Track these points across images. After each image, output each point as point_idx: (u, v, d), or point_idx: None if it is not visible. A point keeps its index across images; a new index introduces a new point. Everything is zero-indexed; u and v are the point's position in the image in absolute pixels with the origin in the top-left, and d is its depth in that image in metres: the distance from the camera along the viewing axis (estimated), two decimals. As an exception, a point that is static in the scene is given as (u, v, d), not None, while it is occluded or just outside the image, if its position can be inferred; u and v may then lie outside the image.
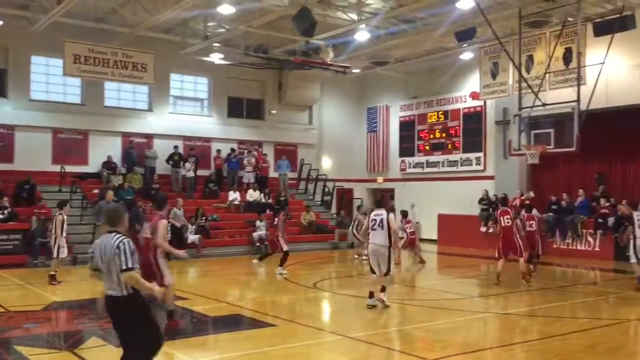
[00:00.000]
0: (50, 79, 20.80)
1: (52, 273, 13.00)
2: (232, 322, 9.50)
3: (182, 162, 21.62)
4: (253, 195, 22.07)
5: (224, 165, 22.85)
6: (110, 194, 17.26)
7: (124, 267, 4.97)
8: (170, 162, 21.45)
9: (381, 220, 10.09)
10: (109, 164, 20.60)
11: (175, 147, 21.78)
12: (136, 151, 21.38)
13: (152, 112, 22.59)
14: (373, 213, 10.41)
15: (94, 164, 21.06)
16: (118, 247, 4.99)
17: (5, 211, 17.08)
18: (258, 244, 19.99)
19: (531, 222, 13.84)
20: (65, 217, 13.21)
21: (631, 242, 12.29)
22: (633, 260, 12.26)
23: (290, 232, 18.62)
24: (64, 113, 20.66)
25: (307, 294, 12.45)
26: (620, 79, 17.73)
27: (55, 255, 13.14)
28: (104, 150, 21.02)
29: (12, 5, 17.61)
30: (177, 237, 18.22)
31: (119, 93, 22.05)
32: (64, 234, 13.28)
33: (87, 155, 21.14)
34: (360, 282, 14.37)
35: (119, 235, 5.11)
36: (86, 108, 21.18)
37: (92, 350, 7.45)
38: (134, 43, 19.44)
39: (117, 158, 21.21)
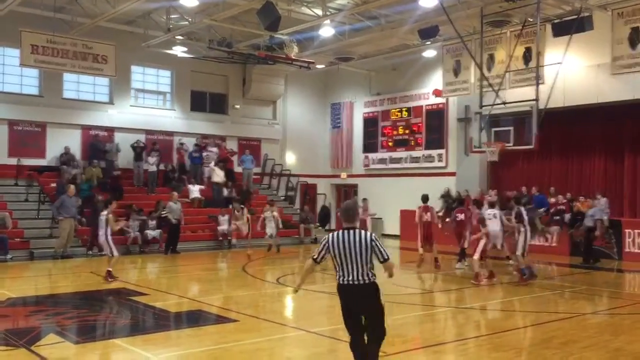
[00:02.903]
0: (6, 69, 20.21)
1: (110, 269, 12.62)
2: (194, 318, 9.43)
3: (144, 155, 21.31)
4: (219, 174, 21.80)
5: (186, 159, 22.61)
6: (72, 188, 16.98)
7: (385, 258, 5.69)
8: (135, 150, 21.17)
9: None
10: (66, 157, 20.15)
11: (138, 140, 21.46)
12: (100, 145, 21.01)
13: (113, 105, 22.17)
14: None
15: (51, 157, 20.58)
16: (373, 240, 5.64)
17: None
18: (221, 238, 19.89)
19: (460, 215, 14.28)
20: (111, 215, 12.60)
21: (521, 236, 12.63)
22: (519, 252, 12.63)
23: (253, 227, 18.63)
24: (21, 104, 20.11)
25: (270, 289, 12.45)
26: (578, 79, 18.20)
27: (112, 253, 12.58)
28: (62, 143, 20.56)
29: (-34, -7, 17.05)
30: (173, 232, 18.02)
31: (78, 85, 21.58)
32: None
33: (44, 148, 20.63)
34: (324, 277, 14.44)
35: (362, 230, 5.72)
36: (44, 100, 20.67)
37: (50, 347, 7.30)
38: (95, 34, 19.03)
39: (75, 151, 20.78)
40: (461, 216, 14.35)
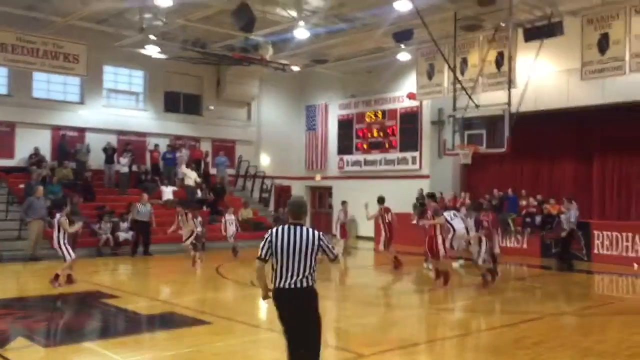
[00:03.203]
0: (-27, 67, 19.77)
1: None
2: (166, 320, 9.33)
3: (115, 157, 21.04)
4: (191, 176, 21.62)
5: (160, 160, 22.39)
6: (40, 189, 16.67)
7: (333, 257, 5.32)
8: (106, 152, 20.87)
9: None
10: (36, 157, 19.79)
11: (108, 143, 21.17)
12: (68, 145, 20.64)
13: (84, 105, 21.83)
14: None
15: (20, 158, 20.17)
16: (321, 239, 5.19)
17: None
18: (194, 240, 19.68)
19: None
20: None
21: (481, 244, 12.26)
22: (480, 260, 12.28)
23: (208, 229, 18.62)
24: (-11, 104, 19.69)
25: (244, 291, 12.38)
26: (549, 83, 18.50)
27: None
28: (31, 143, 20.17)
29: None
30: (143, 234, 17.85)
31: (48, 84, 21.19)
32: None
33: (13, 148, 20.21)
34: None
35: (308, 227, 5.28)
36: (13, 99, 20.24)
37: (18, 351, 7.15)
38: (66, 33, 18.70)
39: (45, 151, 20.41)
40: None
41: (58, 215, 12.14)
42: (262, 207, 24.29)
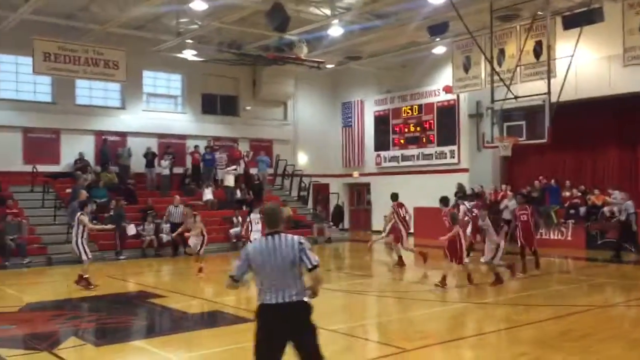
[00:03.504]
0: (19, 77, 20.44)
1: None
2: (212, 319, 9.50)
3: (155, 161, 21.47)
4: (230, 177, 21.98)
5: (200, 161, 22.73)
6: (83, 193, 17.11)
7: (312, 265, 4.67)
8: (147, 157, 21.33)
9: None
10: (80, 162, 20.35)
11: (149, 148, 21.62)
12: (110, 149, 21.16)
13: (125, 110, 22.35)
14: None
15: (66, 163, 20.79)
16: (301, 243, 4.65)
17: (-24, 212, 16.78)
18: (235, 240, 19.95)
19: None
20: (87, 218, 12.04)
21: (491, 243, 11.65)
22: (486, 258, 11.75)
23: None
24: (35, 112, 20.33)
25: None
26: (589, 71, 18.09)
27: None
28: (76, 149, 20.77)
29: (-22, 3, 17.26)
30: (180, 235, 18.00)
31: (90, 91, 21.77)
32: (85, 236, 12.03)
33: (59, 155, 20.85)
34: (339, 276, 14.48)
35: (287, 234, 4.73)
36: (57, 107, 20.87)
37: (71, 350, 7.38)
38: (105, 40, 19.20)
39: (89, 156, 20.98)
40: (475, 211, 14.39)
41: (78, 214, 11.98)
42: (301, 205, 24.42)
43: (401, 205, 15.03)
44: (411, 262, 15.31)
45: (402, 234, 14.75)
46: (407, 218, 15.05)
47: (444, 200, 12.93)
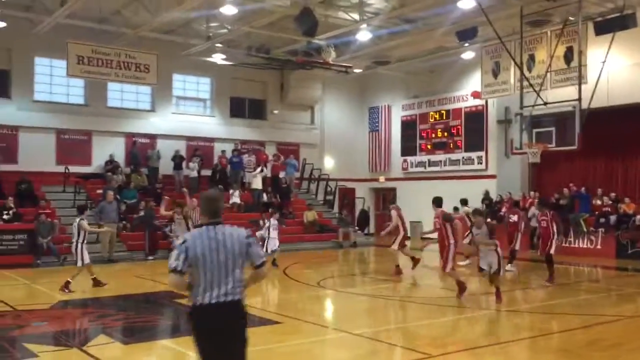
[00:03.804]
0: (54, 79, 20.93)
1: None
2: (237, 320, 9.56)
3: (183, 164, 21.75)
4: (258, 180, 22.10)
5: (227, 165, 22.95)
6: (110, 194, 17.47)
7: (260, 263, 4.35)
8: (175, 160, 21.63)
9: None
10: (111, 164, 20.73)
11: (177, 151, 21.90)
12: (140, 151, 21.50)
13: (155, 113, 22.71)
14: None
15: (97, 164, 21.20)
16: (248, 237, 4.27)
17: (10, 212, 17.18)
18: (261, 243, 20.04)
19: (513, 216, 14.53)
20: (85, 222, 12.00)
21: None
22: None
23: (293, 231, 18.53)
24: (68, 114, 20.79)
25: (311, 292, 12.53)
26: (622, 77, 17.81)
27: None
28: (107, 150, 21.17)
29: (16, 7, 17.72)
30: None
31: (122, 94, 22.17)
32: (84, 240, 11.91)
33: (90, 156, 21.27)
34: (364, 280, 14.48)
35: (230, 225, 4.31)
36: (89, 109, 21.31)
37: (101, 347, 7.53)
38: (137, 44, 19.54)
39: (119, 158, 21.35)
40: (514, 217, 14.21)
41: (78, 219, 11.81)
42: (327, 209, 24.46)
43: (397, 208, 15.13)
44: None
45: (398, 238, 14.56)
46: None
47: (437, 201, 11.62)
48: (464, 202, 15.73)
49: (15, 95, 20.11)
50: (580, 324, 8.97)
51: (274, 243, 15.31)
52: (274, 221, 15.52)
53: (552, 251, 12.71)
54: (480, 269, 10.59)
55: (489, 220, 13.24)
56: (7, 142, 19.80)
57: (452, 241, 10.78)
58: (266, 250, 14.74)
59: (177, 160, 21.73)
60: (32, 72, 20.48)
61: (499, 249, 10.36)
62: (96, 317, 9.72)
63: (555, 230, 12.71)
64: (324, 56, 20.49)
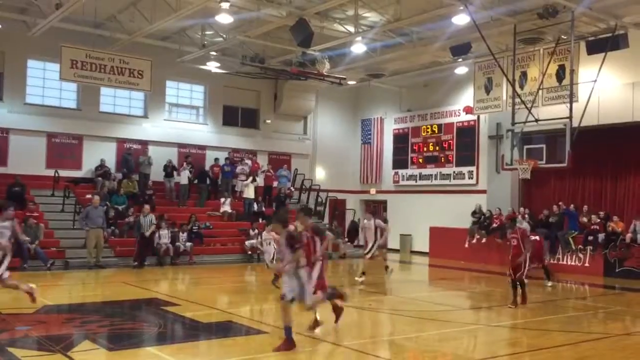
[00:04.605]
0: (46, 83, 20.84)
1: None
2: (223, 329, 9.51)
3: (175, 173, 21.68)
4: (250, 189, 22.15)
5: (219, 174, 22.88)
6: (96, 198, 17.41)
7: None
8: (166, 169, 21.57)
9: None
10: (102, 169, 20.62)
11: (169, 160, 21.89)
12: (133, 157, 21.42)
13: (147, 119, 22.65)
14: None
15: (87, 169, 21.08)
16: None
17: (-3, 214, 16.99)
18: (250, 252, 20.01)
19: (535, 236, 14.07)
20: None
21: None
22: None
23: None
24: (59, 117, 20.70)
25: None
26: (612, 97, 17.96)
27: None
28: (98, 155, 21.06)
29: (10, 9, 17.68)
30: (144, 244, 17.85)
31: (114, 99, 22.11)
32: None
33: (81, 160, 21.16)
34: (352, 293, 14.42)
35: None
36: (81, 113, 21.23)
37: (85, 354, 7.45)
38: (131, 49, 19.52)
39: (110, 163, 21.25)
40: (514, 242, 13.70)
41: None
42: (317, 220, 24.39)
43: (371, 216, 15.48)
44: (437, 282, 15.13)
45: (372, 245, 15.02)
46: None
47: (306, 211, 9.78)
48: (307, 212, 12.46)
49: (7, 97, 20.01)
50: (568, 341, 8.98)
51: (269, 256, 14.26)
52: (266, 235, 14.21)
53: (524, 276, 11.69)
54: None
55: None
56: (-3, 144, 19.68)
57: (319, 257, 8.94)
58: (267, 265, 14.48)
59: (169, 170, 21.67)
60: (25, 75, 20.40)
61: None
62: (81, 322, 9.62)
63: (526, 248, 11.74)
64: (318, 67, 20.55)
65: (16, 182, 18.47)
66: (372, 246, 14.90)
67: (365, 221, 15.44)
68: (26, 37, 18.69)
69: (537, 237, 14.24)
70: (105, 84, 19.62)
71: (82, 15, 17.43)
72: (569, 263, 18.38)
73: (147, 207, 18.38)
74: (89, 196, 19.08)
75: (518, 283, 11.72)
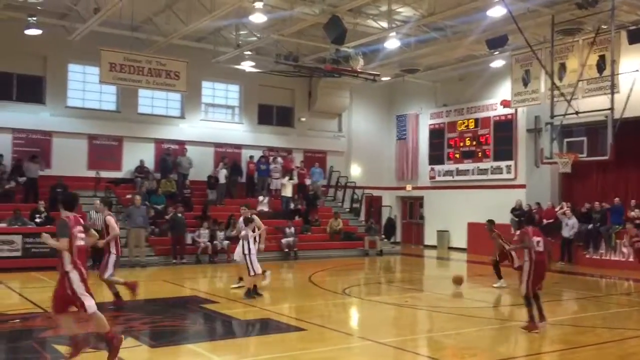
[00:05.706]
0: (86, 86, 21.34)
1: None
2: (262, 326, 9.61)
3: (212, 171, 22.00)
4: (288, 187, 22.29)
5: (255, 171, 23.07)
6: (137, 198, 17.72)
7: None
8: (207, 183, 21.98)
9: None
10: (141, 169, 21.03)
11: (210, 175, 22.22)
12: (171, 158, 21.77)
13: (184, 119, 22.99)
14: None
15: (127, 170, 21.53)
16: None
17: (42, 215, 17.51)
18: (287, 250, 20.11)
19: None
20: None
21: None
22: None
23: (319, 238, 18.46)
24: (100, 120, 21.17)
25: (336, 299, 12.51)
26: (656, 86, 17.42)
27: None
28: (137, 156, 21.47)
29: (51, 15, 18.17)
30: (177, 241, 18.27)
31: (152, 100, 22.49)
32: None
33: (121, 161, 21.61)
34: (389, 289, 14.39)
35: None
36: (121, 115, 21.67)
37: (128, 350, 7.62)
38: (168, 51, 19.82)
39: (149, 164, 21.64)
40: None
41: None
42: (353, 217, 24.41)
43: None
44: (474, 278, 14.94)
45: None
46: None
47: (105, 203, 11.74)
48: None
49: (49, 101, 20.55)
50: (613, 338, 8.78)
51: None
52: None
53: (523, 290, 9.04)
54: None
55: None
56: (42, 147, 20.24)
57: (113, 250, 10.88)
58: None
59: (212, 181, 21.92)
60: (66, 79, 20.93)
61: None
62: (124, 320, 9.83)
63: (515, 257, 11.11)
64: (352, 64, 20.48)
65: (58, 183, 18.95)
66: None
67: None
68: (66, 42, 19.15)
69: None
70: (143, 86, 19.95)
71: (119, 19, 17.78)
72: (612, 258, 17.93)
73: (138, 197, 18.07)
74: (129, 196, 19.48)
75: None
